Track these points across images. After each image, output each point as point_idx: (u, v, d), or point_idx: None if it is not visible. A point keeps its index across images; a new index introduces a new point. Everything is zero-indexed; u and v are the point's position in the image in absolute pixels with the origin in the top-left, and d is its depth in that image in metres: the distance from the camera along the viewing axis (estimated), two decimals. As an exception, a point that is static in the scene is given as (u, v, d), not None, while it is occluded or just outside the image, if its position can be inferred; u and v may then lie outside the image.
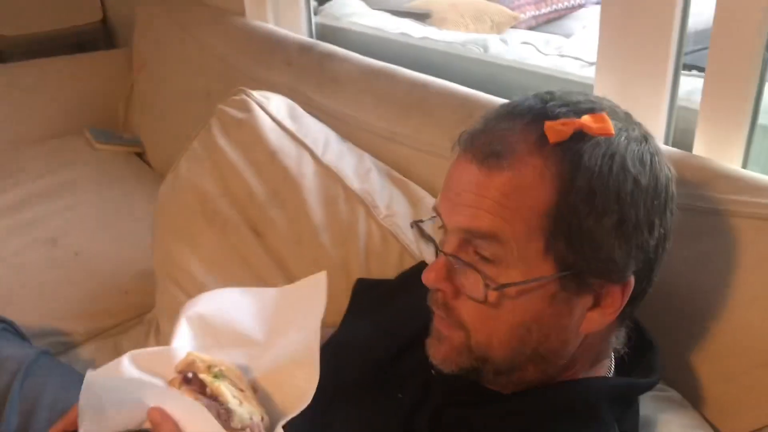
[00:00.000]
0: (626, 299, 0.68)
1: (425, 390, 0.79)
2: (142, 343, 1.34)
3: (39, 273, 1.52)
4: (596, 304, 0.69)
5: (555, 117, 0.66)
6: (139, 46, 2.14)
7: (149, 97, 2.08)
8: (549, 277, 0.66)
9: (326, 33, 1.76)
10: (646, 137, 0.69)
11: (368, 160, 1.28)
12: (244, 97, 1.33)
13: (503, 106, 0.71)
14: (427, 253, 1.08)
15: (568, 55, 1.53)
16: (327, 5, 2.12)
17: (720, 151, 0.99)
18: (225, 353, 0.86)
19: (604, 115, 0.67)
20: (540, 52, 1.59)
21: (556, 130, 0.65)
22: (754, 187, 0.88)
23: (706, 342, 0.90)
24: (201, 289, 1.23)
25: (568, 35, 2.21)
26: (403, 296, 0.96)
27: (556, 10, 3.15)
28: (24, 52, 2.27)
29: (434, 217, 0.74)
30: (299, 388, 0.79)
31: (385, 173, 1.26)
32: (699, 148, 1.01)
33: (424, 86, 1.30)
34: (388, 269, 1.13)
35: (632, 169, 0.65)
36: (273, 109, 1.32)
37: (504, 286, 0.67)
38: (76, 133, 2.14)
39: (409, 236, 1.16)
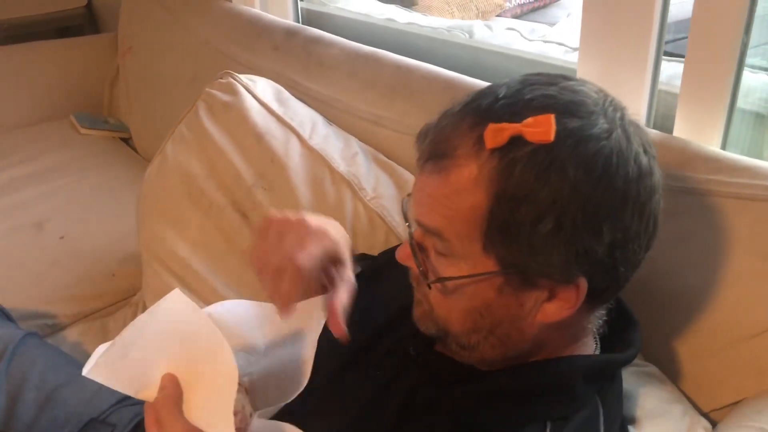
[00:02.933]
0: (581, 297, 0.68)
1: (400, 369, 0.81)
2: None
3: (25, 257, 1.53)
4: (552, 297, 0.69)
5: (498, 119, 0.65)
6: (125, 30, 2.13)
7: (134, 81, 2.08)
8: (492, 273, 0.68)
9: (312, 18, 1.76)
10: (610, 132, 0.65)
11: (355, 144, 1.29)
12: (231, 80, 1.34)
13: (462, 101, 0.70)
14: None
15: (552, 41, 1.54)
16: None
17: (700, 133, 1.01)
18: None
19: (550, 117, 0.63)
20: (524, 38, 1.60)
21: (492, 136, 0.64)
22: (731, 168, 0.90)
23: (686, 319, 0.92)
24: (188, 269, 1.24)
25: (552, 23, 2.22)
26: (387, 275, 0.97)
27: (541, -1, 3.17)
28: (9, 37, 2.26)
29: None
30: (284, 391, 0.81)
31: (371, 156, 1.27)
32: (679, 131, 1.03)
33: (409, 71, 1.31)
34: (374, 250, 1.14)
35: (572, 177, 0.63)
36: (259, 92, 1.33)
37: (440, 280, 0.70)
38: (62, 118, 2.14)
39: (396, 218, 1.17)
